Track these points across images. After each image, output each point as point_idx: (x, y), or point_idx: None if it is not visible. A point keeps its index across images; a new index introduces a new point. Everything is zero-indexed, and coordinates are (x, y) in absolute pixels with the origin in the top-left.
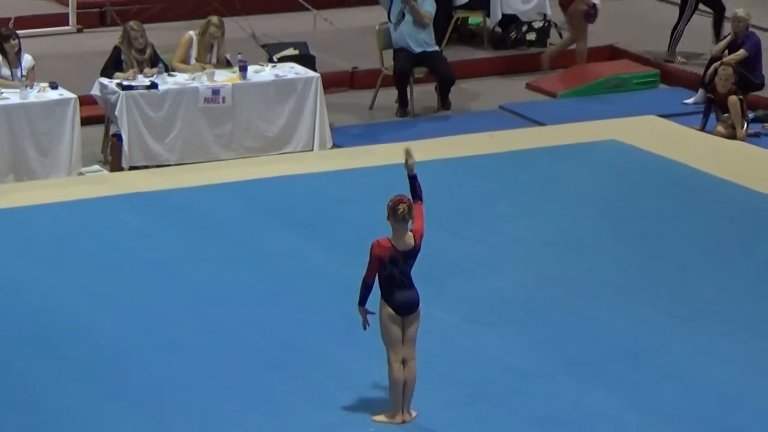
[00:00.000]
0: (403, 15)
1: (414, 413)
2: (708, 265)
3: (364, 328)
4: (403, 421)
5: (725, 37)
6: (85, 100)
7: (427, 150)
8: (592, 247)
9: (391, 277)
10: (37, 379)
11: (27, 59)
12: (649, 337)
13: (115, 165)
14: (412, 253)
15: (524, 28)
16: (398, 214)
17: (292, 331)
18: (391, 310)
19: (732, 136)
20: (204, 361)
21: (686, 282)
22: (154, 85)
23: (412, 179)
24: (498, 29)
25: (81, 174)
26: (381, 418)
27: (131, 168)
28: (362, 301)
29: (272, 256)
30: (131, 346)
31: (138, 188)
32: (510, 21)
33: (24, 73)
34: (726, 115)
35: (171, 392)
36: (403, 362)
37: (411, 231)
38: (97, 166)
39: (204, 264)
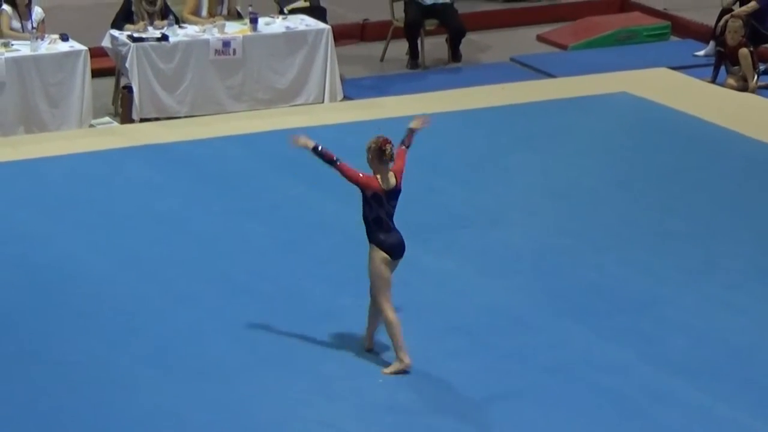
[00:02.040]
0: None
1: (371, 345)
2: (719, 218)
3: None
4: (407, 363)
5: None
6: (96, 52)
7: (438, 102)
8: (602, 199)
9: (379, 220)
10: (45, 331)
11: (37, 11)
12: (658, 289)
13: (125, 117)
14: (395, 193)
15: None
16: (386, 155)
17: (301, 282)
18: (385, 254)
19: (743, 89)
20: (213, 313)
21: (697, 234)
22: (164, 37)
23: (413, 133)
24: None
25: (92, 126)
26: (391, 369)
27: (142, 120)
28: (319, 152)
29: (282, 208)
30: (140, 298)
31: (148, 140)
32: None
33: (34, 25)
34: (736, 67)
35: (180, 343)
36: (373, 297)
37: (392, 171)
38: (107, 118)
39: (214, 216)
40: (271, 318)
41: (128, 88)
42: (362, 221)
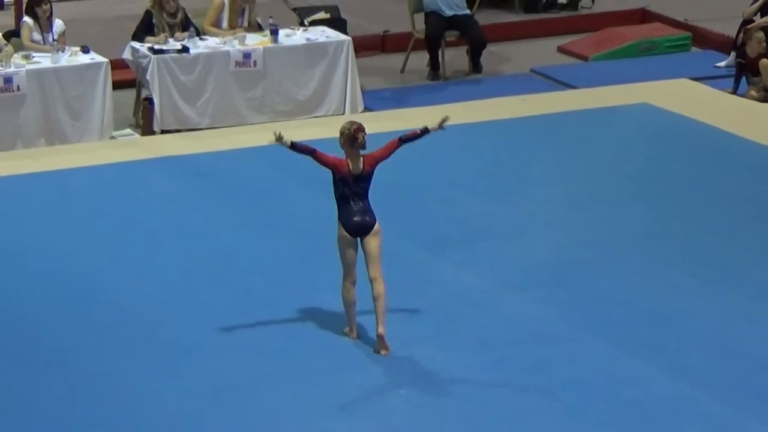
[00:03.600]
0: None
1: (382, 329)
2: (740, 229)
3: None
4: (358, 336)
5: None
6: (117, 64)
7: (459, 113)
8: (623, 210)
9: (344, 197)
10: (67, 342)
11: (58, 24)
12: (679, 301)
13: (146, 129)
14: (363, 177)
15: None
16: (357, 143)
17: (322, 295)
18: (344, 232)
19: (764, 99)
20: (234, 326)
21: (718, 245)
22: (185, 49)
23: (425, 132)
24: None
25: (113, 138)
26: (345, 332)
27: (163, 132)
28: (296, 146)
29: (302, 221)
30: (161, 311)
31: (169, 152)
32: None
33: (55, 37)
34: (757, 78)
35: (201, 357)
36: (372, 281)
37: (364, 157)
38: (128, 130)
39: (234, 228)
40: (293, 331)
41: (149, 100)
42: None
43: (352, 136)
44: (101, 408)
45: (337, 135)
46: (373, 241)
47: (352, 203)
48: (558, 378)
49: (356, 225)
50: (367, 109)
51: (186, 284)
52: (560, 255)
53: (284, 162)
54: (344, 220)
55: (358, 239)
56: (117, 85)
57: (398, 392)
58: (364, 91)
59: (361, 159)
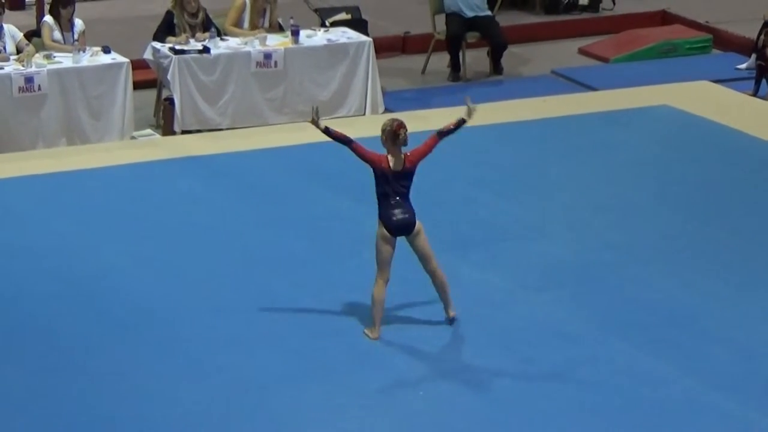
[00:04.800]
0: None
1: (453, 312)
2: (763, 232)
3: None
4: (379, 337)
5: None
6: (138, 65)
7: (479, 115)
8: (644, 212)
9: (385, 195)
10: (86, 341)
11: (78, 24)
12: (701, 303)
13: (167, 129)
14: (404, 174)
15: None
16: (400, 139)
17: (344, 295)
18: (385, 231)
19: None
20: (255, 326)
21: (740, 248)
22: (206, 50)
23: (461, 124)
24: None
25: (133, 138)
26: (367, 332)
27: (183, 132)
28: (330, 131)
29: (324, 221)
30: (182, 310)
31: (190, 152)
32: None
33: (76, 37)
34: None
35: (221, 356)
36: (431, 274)
37: (406, 154)
38: (149, 130)
39: (256, 228)
40: (314, 331)
41: (170, 100)
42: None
43: (394, 133)
44: (120, 407)
45: (359, 135)
46: (419, 241)
47: (393, 202)
48: (580, 379)
49: (397, 224)
50: (387, 110)
51: (206, 284)
52: (581, 256)
53: (304, 162)
54: (385, 218)
55: (400, 238)
56: (138, 86)
57: (419, 393)
58: (384, 92)
59: (402, 156)
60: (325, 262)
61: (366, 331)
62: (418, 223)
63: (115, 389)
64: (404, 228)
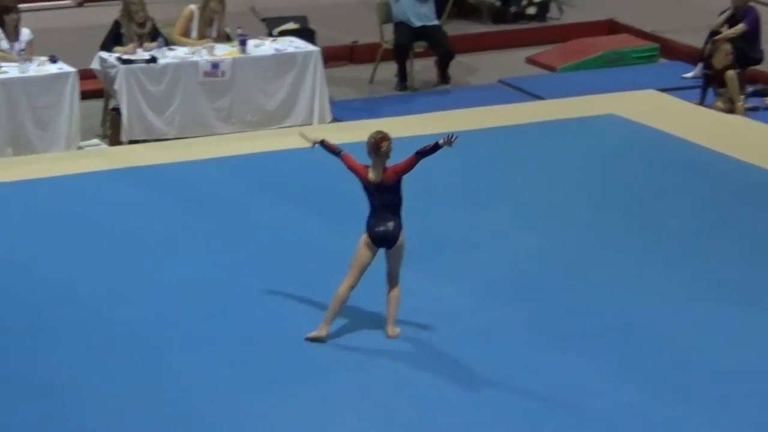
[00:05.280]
0: None
1: (397, 330)
2: (705, 240)
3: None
4: (326, 337)
5: (725, 11)
6: (85, 74)
7: (427, 124)
8: (589, 221)
9: (372, 206)
10: (31, 353)
11: (25, 33)
12: (642, 311)
13: (114, 139)
14: (383, 188)
15: (524, 3)
16: (381, 152)
17: (292, 305)
18: (368, 237)
19: (731, 111)
20: (201, 336)
21: (682, 256)
22: (153, 59)
23: (437, 148)
24: (498, 3)
25: (80, 148)
26: (312, 334)
27: (130, 142)
28: (325, 145)
29: (269, 231)
30: (127, 321)
31: (137, 162)
32: None
33: (23, 46)
34: (723, 89)
35: (168, 367)
36: (389, 283)
37: (386, 168)
38: (96, 140)
39: (203, 238)
40: (261, 340)
41: (117, 110)
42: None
43: (376, 145)
44: (59, 417)
45: (307, 145)
46: (395, 257)
47: (378, 213)
48: (522, 389)
49: (378, 235)
50: (335, 119)
51: (154, 294)
52: (526, 266)
53: (252, 172)
54: (368, 227)
55: (381, 249)
56: (85, 95)
57: (363, 405)
58: (332, 102)
59: (383, 169)
60: (270, 271)
61: (310, 335)
62: (400, 238)
63: (58, 400)
64: (384, 240)
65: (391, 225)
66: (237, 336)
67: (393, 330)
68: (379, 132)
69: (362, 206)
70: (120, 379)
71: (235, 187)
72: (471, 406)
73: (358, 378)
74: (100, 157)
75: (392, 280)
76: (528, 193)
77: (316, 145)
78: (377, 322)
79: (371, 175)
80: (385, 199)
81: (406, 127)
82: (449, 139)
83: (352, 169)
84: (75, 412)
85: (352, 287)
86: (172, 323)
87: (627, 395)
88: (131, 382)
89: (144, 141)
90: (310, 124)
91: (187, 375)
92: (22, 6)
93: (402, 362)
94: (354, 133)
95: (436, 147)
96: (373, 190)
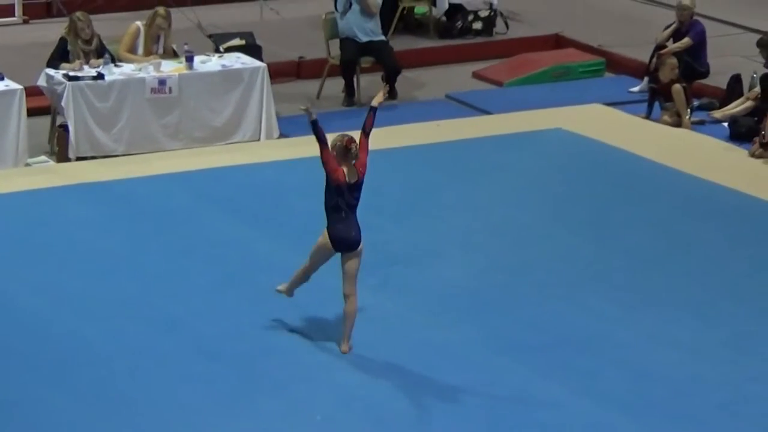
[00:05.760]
0: (350, 4)
1: (350, 345)
2: (655, 253)
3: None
4: (291, 295)
5: (670, 25)
6: (32, 91)
7: (374, 139)
8: (538, 235)
9: (336, 208)
10: None
11: None
12: (596, 325)
13: (62, 156)
14: (357, 185)
15: (470, 18)
16: (351, 153)
17: (240, 321)
18: (328, 241)
19: (677, 124)
20: (153, 352)
21: (633, 269)
22: (100, 76)
23: (374, 111)
24: (444, 18)
25: (28, 165)
26: (281, 287)
27: (78, 159)
28: (316, 126)
29: (219, 247)
30: (79, 338)
31: (85, 179)
32: (456, 10)
33: None
34: (670, 103)
35: (120, 383)
36: (346, 297)
37: (355, 165)
38: (43, 157)
39: (152, 254)
40: (211, 356)
41: (64, 127)
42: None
43: (345, 148)
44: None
45: (255, 161)
46: (353, 261)
47: (343, 215)
48: (474, 402)
49: (341, 240)
50: (283, 135)
51: (103, 311)
52: (476, 279)
53: (200, 188)
54: (331, 232)
55: (339, 253)
56: (32, 112)
57: (316, 418)
58: (279, 117)
59: (354, 168)
60: (221, 287)
61: (279, 287)
62: (361, 244)
63: (11, 417)
64: (347, 245)
65: (352, 229)
66: (189, 351)
67: (347, 345)
68: (343, 135)
69: (312, 222)
70: (70, 394)
71: (183, 204)
72: (424, 421)
73: (310, 392)
74: (47, 174)
75: (348, 287)
76: (476, 208)
77: (311, 119)
78: (333, 336)
79: (348, 176)
80: (353, 198)
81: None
82: (382, 94)
83: (328, 164)
84: (27, 428)
85: (303, 281)
86: (121, 338)
87: (580, 407)
88: (82, 398)
89: (92, 158)
90: (258, 139)
91: (138, 389)
92: None
93: (354, 377)
94: (302, 148)
95: (374, 111)
96: (345, 190)
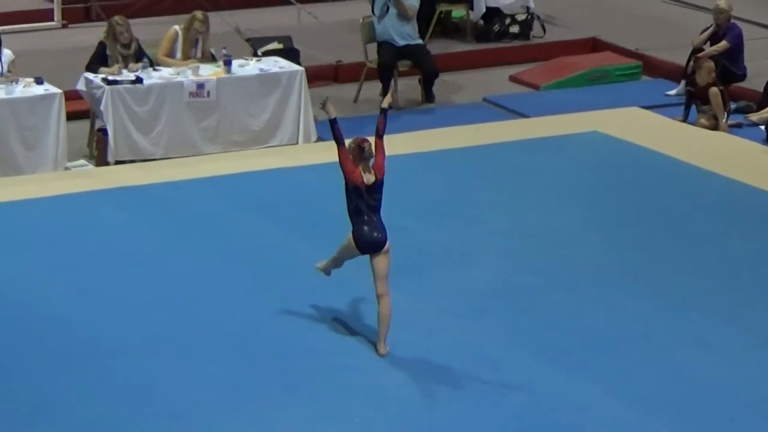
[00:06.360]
0: (387, 8)
1: (387, 347)
2: (688, 255)
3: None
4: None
5: (707, 28)
6: (71, 95)
7: (411, 142)
8: (573, 237)
9: (358, 211)
10: (23, 374)
11: (6, 54)
12: (627, 327)
13: (100, 160)
14: (375, 187)
15: (507, 21)
16: (365, 153)
17: (276, 322)
18: (353, 244)
19: (714, 127)
20: (189, 354)
21: (666, 272)
22: (139, 80)
23: (385, 112)
24: (481, 22)
25: (67, 169)
26: (320, 264)
27: (117, 162)
28: (333, 126)
29: (257, 250)
30: (117, 341)
31: (123, 183)
32: (493, 14)
33: (4, 68)
34: (707, 106)
35: (157, 386)
36: (379, 297)
37: (372, 167)
38: (82, 161)
39: (189, 258)
40: (247, 359)
41: (103, 131)
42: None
43: (359, 147)
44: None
45: (292, 164)
46: (382, 260)
47: (366, 217)
48: (507, 403)
49: (368, 243)
50: (320, 138)
51: (141, 314)
52: (511, 282)
53: (238, 192)
54: (356, 235)
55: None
56: (71, 116)
57: (354, 420)
58: (317, 121)
59: (371, 169)
60: (256, 290)
61: (319, 265)
62: (387, 242)
63: (50, 420)
64: (374, 247)
65: (377, 229)
66: (224, 352)
67: (384, 348)
68: (356, 138)
69: (348, 225)
70: (105, 393)
71: (221, 207)
72: (455, 419)
73: (346, 394)
74: (86, 178)
75: (380, 287)
76: (513, 210)
77: (330, 117)
78: (369, 337)
79: (366, 178)
80: (374, 199)
81: (392, 146)
82: (389, 98)
83: (346, 166)
84: (65, 427)
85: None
86: (159, 342)
87: (611, 407)
88: (117, 397)
89: (130, 161)
90: (296, 143)
91: (174, 390)
92: (6, 28)
93: (389, 378)
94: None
95: (385, 113)
96: (364, 191)
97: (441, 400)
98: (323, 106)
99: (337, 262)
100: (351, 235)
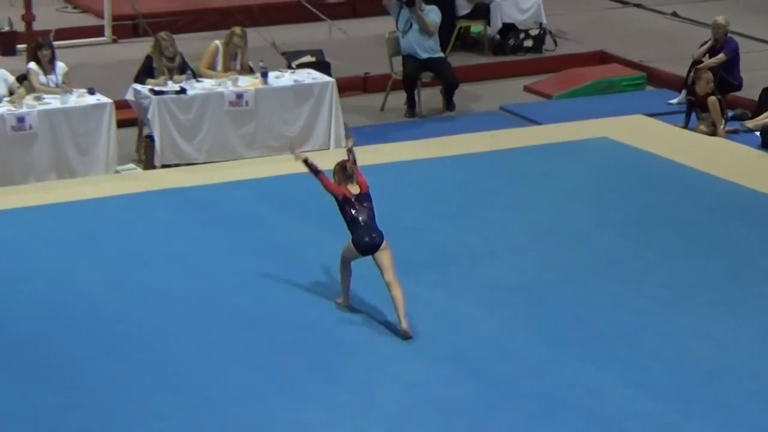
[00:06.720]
0: (411, 24)
1: (410, 332)
2: (692, 253)
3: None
4: (349, 305)
5: (706, 42)
6: (121, 105)
7: (433, 148)
8: (583, 236)
9: (354, 219)
10: (70, 361)
11: (60, 66)
12: (636, 319)
13: (148, 163)
14: (363, 196)
15: (522, 36)
16: (348, 171)
17: (313, 315)
18: (353, 249)
19: (713, 134)
20: (228, 346)
21: (671, 268)
22: (183, 91)
23: (351, 151)
24: (497, 37)
25: (117, 172)
26: (338, 301)
27: (163, 166)
28: (308, 164)
29: (292, 247)
30: (161, 333)
31: (169, 185)
32: (509, 29)
33: (59, 79)
34: (706, 114)
35: (197, 373)
36: (388, 285)
37: (357, 182)
38: (131, 165)
39: (230, 255)
40: (282, 349)
41: (150, 137)
42: (368, 261)
43: (342, 167)
44: (101, 425)
45: (324, 168)
46: (383, 256)
47: (362, 222)
48: (525, 391)
49: (366, 245)
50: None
51: (183, 307)
52: (526, 277)
53: (275, 193)
54: (356, 241)
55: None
56: (121, 124)
57: (372, 404)
58: (347, 128)
59: (355, 184)
60: (293, 285)
61: (338, 300)
62: (384, 241)
63: (98, 407)
64: (372, 248)
65: (373, 231)
66: (265, 345)
67: (405, 322)
68: (338, 161)
69: (379, 223)
70: (152, 386)
71: (259, 208)
72: (475, 406)
73: (368, 378)
74: (135, 181)
75: (386, 276)
76: (527, 211)
77: (301, 161)
78: (393, 329)
79: (352, 189)
80: (366, 207)
81: (415, 151)
82: (347, 141)
83: (330, 189)
84: (114, 416)
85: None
86: (200, 334)
87: (625, 396)
88: (165, 390)
89: (175, 165)
90: (327, 148)
91: (218, 382)
92: (61, 43)
93: (410, 365)
94: (366, 156)
95: (351, 151)
96: (355, 202)
97: (459, 385)
98: (292, 152)
99: (344, 264)
100: (350, 243)
